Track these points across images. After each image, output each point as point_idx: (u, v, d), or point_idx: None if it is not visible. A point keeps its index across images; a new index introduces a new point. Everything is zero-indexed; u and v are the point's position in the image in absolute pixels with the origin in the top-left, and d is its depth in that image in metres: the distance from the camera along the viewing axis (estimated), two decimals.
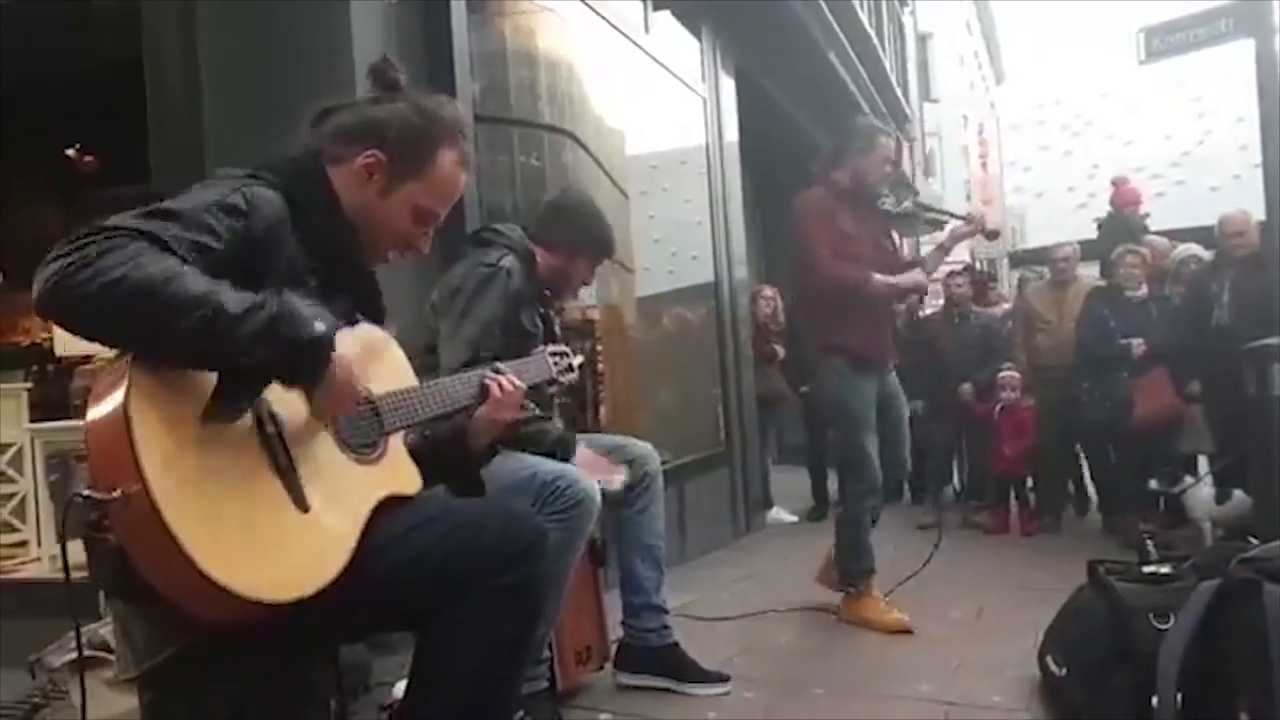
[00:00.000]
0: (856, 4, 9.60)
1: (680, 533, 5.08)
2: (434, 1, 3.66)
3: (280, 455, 1.45)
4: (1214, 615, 2.28)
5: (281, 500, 1.43)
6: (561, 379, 2.21)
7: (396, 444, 1.71)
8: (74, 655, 2.36)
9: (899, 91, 12.62)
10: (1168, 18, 6.88)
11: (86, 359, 4.93)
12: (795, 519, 6.70)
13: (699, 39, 6.39)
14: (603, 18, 5.01)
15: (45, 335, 6.02)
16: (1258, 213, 5.45)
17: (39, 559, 4.06)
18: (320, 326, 1.39)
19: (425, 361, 2.44)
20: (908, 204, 4.02)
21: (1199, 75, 23.77)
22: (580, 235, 2.94)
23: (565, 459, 2.67)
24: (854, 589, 3.82)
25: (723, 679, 3.07)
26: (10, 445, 4.23)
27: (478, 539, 1.56)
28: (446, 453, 1.87)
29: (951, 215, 4.16)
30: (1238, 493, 4.62)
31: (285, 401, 1.48)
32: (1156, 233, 6.98)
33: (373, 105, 1.72)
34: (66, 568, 1.40)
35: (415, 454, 1.76)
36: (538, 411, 2.72)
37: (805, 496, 6.95)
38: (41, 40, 4.63)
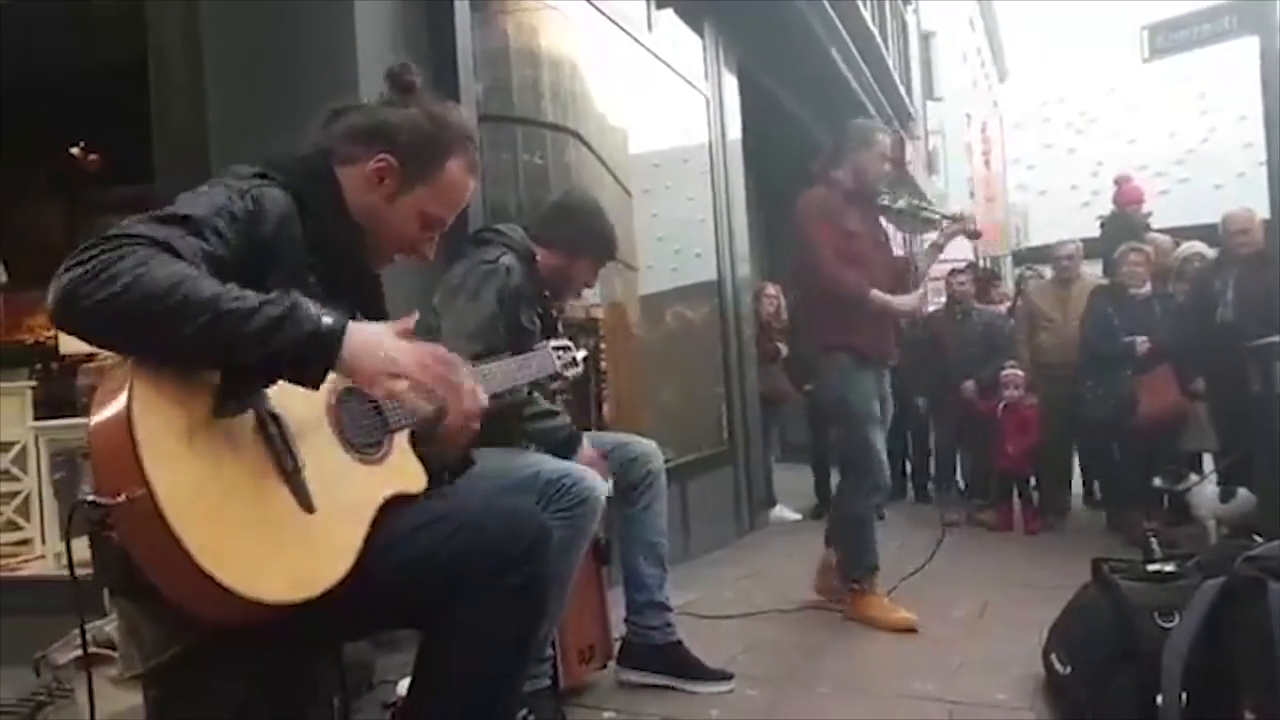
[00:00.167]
0: (859, 2, 9.60)
1: (683, 531, 5.08)
2: (437, 1, 3.67)
3: (284, 456, 1.45)
4: (1219, 614, 2.28)
5: (286, 502, 1.43)
6: (565, 373, 2.21)
7: (401, 442, 1.70)
8: (79, 653, 2.38)
9: (902, 89, 12.61)
10: (1171, 15, 6.88)
11: (90, 357, 4.94)
12: (799, 517, 6.70)
13: (702, 37, 6.38)
14: (606, 16, 5.01)
15: (49, 334, 6.03)
16: (1262, 210, 5.46)
17: (43, 557, 4.06)
18: (327, 321, 1.38)
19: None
20: (903, 202, 4.04)
21: (1203, 72, 23.71)
22: (582, 236, 2.94)
23: (569, 455, 2.68)
24: (858, 586, 3.82)
25: (726, 677, 3.07)
26: (14, 443, 4.23)
27: (482, 538, 1.56)
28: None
29: (942, 215, 4.17)
30: (1242, 490, 4.62)
31: (287, 402, 1.48)
32: (1160, 231, 6.98)
33: (385, 108, 1.72)
34: (72, 567, 1.40)
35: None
36: (547, 406, 2.72)
37: (808, 495, 6.95)
38: (45, 40, 4.64)
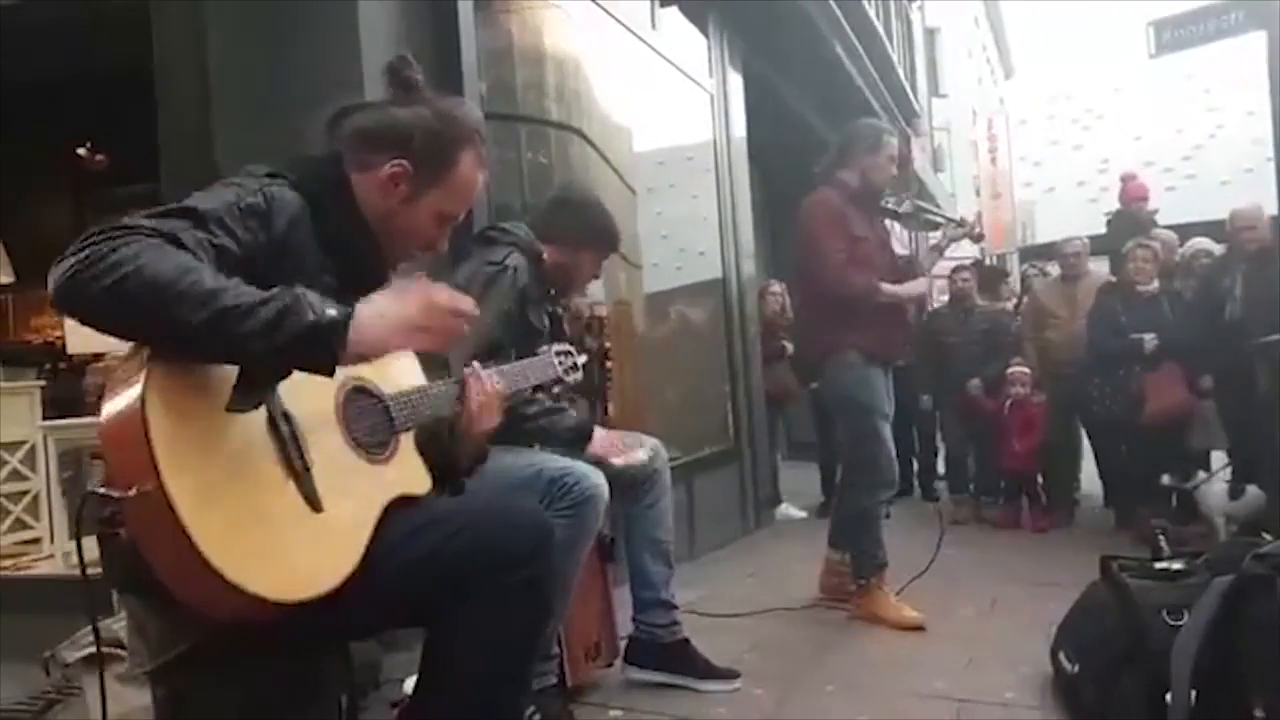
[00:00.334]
0: None
1: (690, 529, 5.08)
2: (441, 0, 3.67)
3: (294, 455, 1.45)
4: (1228, 612, 2.27)
5: (295, 500, 1.44)
6: (566, 378, 2.21)
7: (407, 443, 1.71)
8: (87, 651, 2.39)
9: (907, 87, 12.58)
10: (1178, 11, 6.85)
11: (98, 357, 4.95)
12: (804, 515, 6.69)
13: (706, 35, 6.37)
14: (610, 14, 5.00)
15: (57, 334, 6.05)
16: (1270, 206, 5.43)
17: (51, 556, 4.08)
18: (330, 312, 1.37)
19: (435, 359, 2.45)
20: (907, 204, 4.03)
21: (1210, 68, 23.65)
22: (584, 229, 2.94)
23: (583, 446, 2.68)
24: (865, 584, 3.82)
25: (733, 675, 3.06)
26: (23, 443, 4.25)
27: (486, 537, 1.57)
28: (440, 454, 1.85)
29: (945, 218, 4.17)
30: (1251, 488, 4.60)
31: (298, 400, 1.48)
32: (1167, 227, 6.95)
33: (392, 108, 1.71)
34: (83, 564, 1.40)
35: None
36: (548, 404, 2.72)
37: (814, 493, 6.94)
38: (51, 42, 4.65)
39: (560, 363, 2.18)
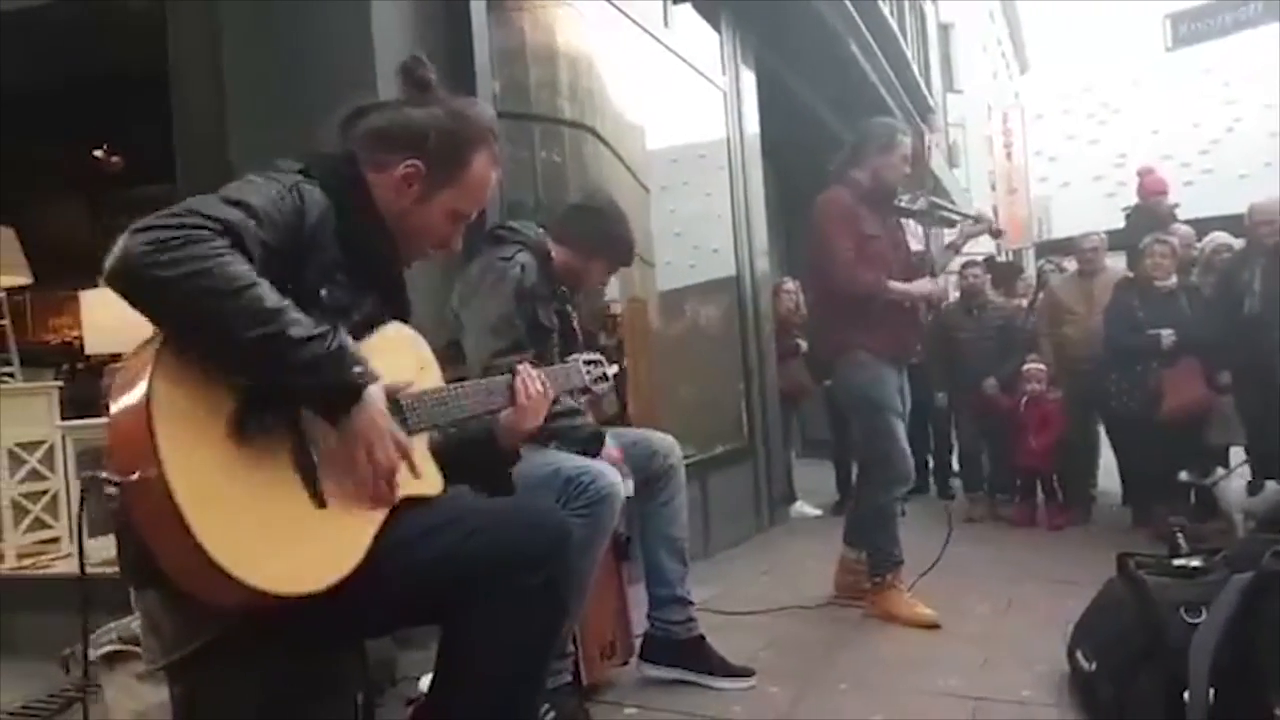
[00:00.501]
0: None
1: (704, 527, 5.08)
2: (454, 0, 3.67)
3: (300, 450, 1.46)
4: (1247, 609, 2.25)
5: (298, 494, 1.44)
6: (594, 388, 2.22)
7: (420, 444, 1.71)
8: (106, 649, 2.40)
9: (921, 82, 12.53)
10: (1195, 4, 6.80)
11: (116, 357, 4.97)
12: (819, 513, 6.68)
13: (719, 32, 6.36)
14: (622, 12, 5.00)
15: (75, 334, 6.09)
16: None
17: (70, 555, 4.10)
18: (358, 371, 1.44)
19: (447, 358, 2.46)
20: (922, 202, 4.02)
21: (1227, 61, 23.47)
22: (601, 238, 2.95)
23: (595, 454, 2.68)
24: (880, 581, 3.81)
25: (748, 673, 3.06)
26: (41, 443, 4.27)
27: (503, 537, 1.57)
28: (473, 453, 1.88)
29: (962, 215, 4.15)
30: (1270, 484, 4.58)
31: None
32: (1185, 221, 6.90)
33: (406, 108, 1.73)
34: (81, 562, 1.41)
35: (442, 453, 1.77)
36: (571, 404, 2.73)
37: (829, 490, 6.93)
38: (69, 44, 4.68)
39: (588, 372, 2.19)
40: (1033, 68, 32.20)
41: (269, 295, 1.35)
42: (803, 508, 6.78)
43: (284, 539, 1.39)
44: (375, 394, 1.47)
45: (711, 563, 4.89)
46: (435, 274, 2.99)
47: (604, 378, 2.24)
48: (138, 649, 2.29)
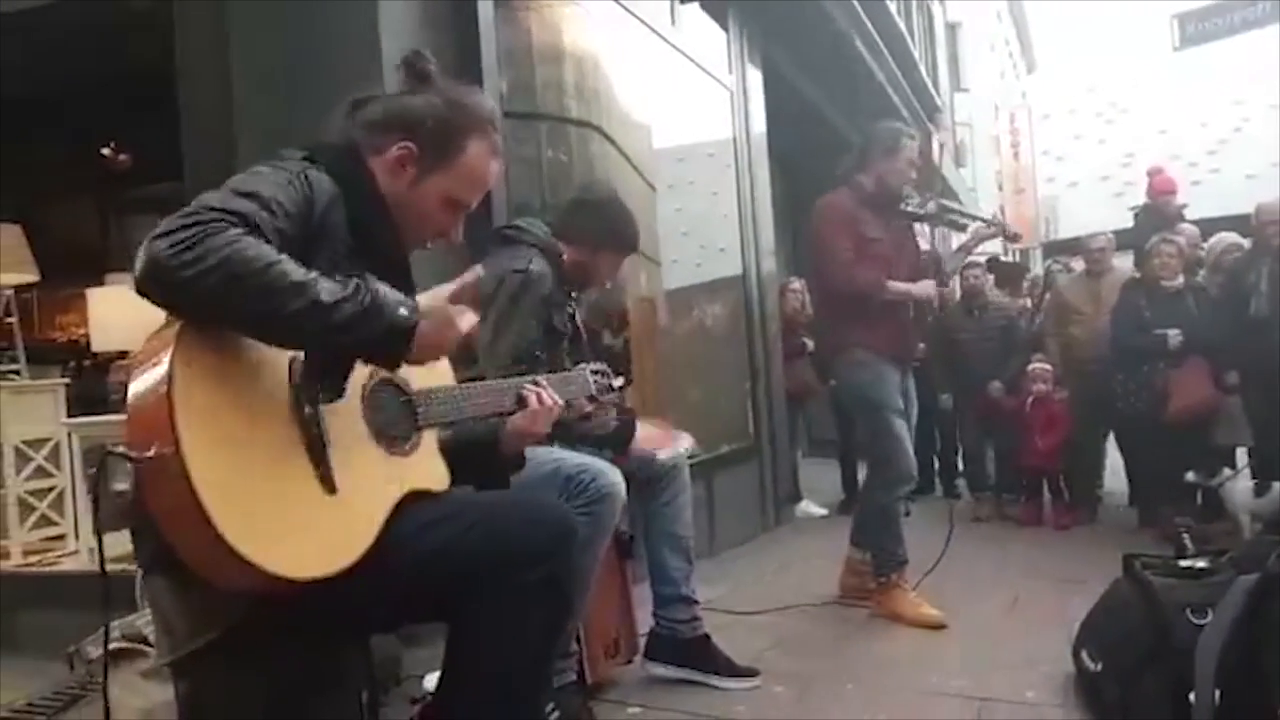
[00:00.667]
0: None
1: (710, 526, 5.07)
2: (462, 0, 3.67)
3: (314, 437, 1.47)
4: (1253, 610, 2.25)
5: (310, 480, 1.45)
6: (601, 397, 2.22)
7: (429, 440, 1.73)
8: (110, 647, 2.40)
9: (928, 82, 12.50)
10: (1202, 3, 6.78)
11: (123, 354, 4.99)
12: (825, 512, 6.67)
13: (726, 31, 6.35)
14: (629, 11, 5.00)
15: (82, 331, 6.10)
16: None
17: (76, 552, 4.12)
18: (403, 312, 1.45)
19: (458, 359, 2.45)
20: (931, 206, 4.01)
21: (1234, 61, 23.35)
22: (602, 230, 2.93)
23: (626, 443, 2.69)
24: (885, 581, 3.80)
25: (752, 673, 3.06)
26: (48, 440, 4.29)
27: (507, 534, 1.57)
28: (478, 454, 1.89)
29: (974, 217, 4.14)
30: (1277, 485, 4.55)
31: None
32: (1193, 221, 6.88)
33: (405, 97, 1.74)
34: (102, 558, 1.42)
35: (445, 451, 1.78)
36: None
37: (835, 490, 6.92)
38: (77, 43, 4.70)
39: (595, 382, 2.20)
40: (1040, 67, 32.09)
41: (293, 269, 1.36)
42: (808, 507, 6.77)
43: (295, 522, 1.41)
44: (426, 319, 1.50)
45: (717, 562, 4.89)
46: (443, 259, 2.97)
47: (610, 388, 2.25)
48: (143, 646, 2.29)
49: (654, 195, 5.24)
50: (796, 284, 7.09)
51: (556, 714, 2.50)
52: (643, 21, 5.16)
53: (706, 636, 3.08)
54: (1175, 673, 2.33)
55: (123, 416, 1.36)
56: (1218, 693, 2.17)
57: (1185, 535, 3.08)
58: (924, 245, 4.21)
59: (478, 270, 1.72)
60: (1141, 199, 7.48)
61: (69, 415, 4.39)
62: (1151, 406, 5.30)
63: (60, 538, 4.28)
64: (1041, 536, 5.65)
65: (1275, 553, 2.31)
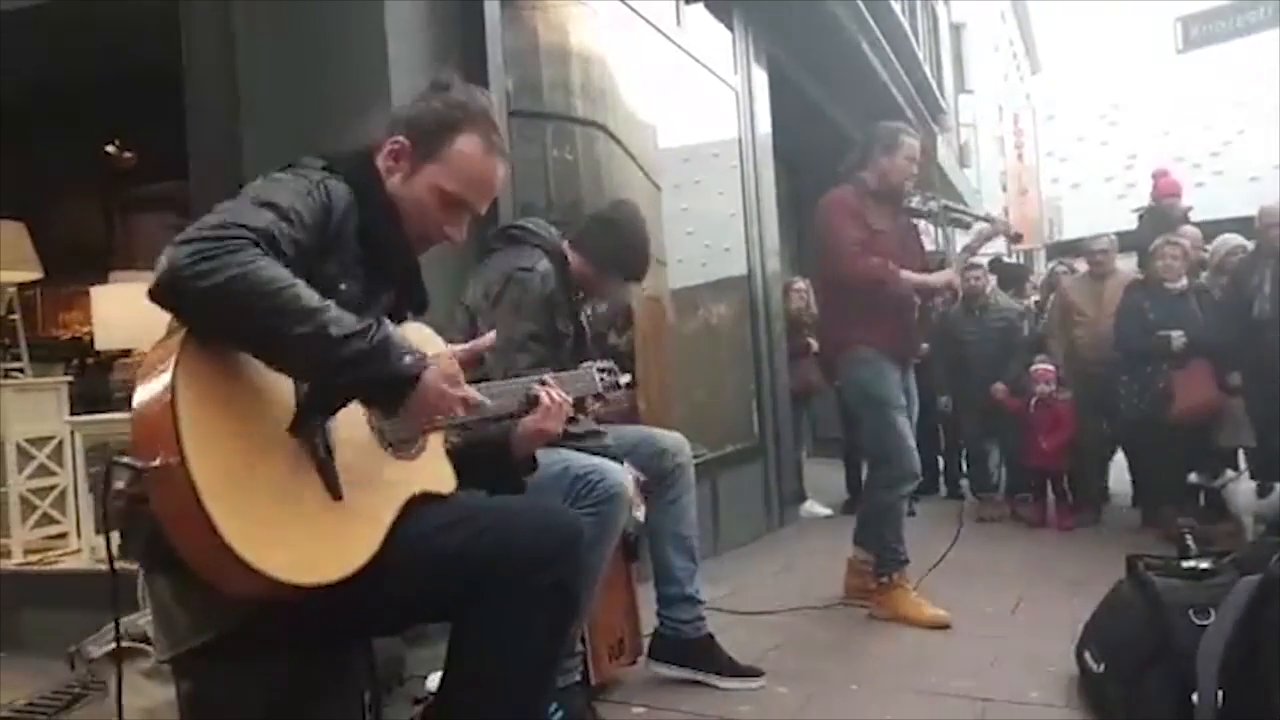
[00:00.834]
0: None
1: (714, 526, 5.07)
2: (468, 0, 3.67)
3: (319, 443, 1.47)
4: (1255, 612, 2.25)
5: (315, 486, 1.46)
6: (607, 395, 2.23)
7: (435, 443, 1.73)
8: (112, 646, 2.40)
9: (933, 82, 12.50)
10: (1206, 7, 6.77)
11: (126, 353, 4.99)
12: (829, 512, 6.67)
13: (731, 31, 6.36)
14: (635, 11, 5.00)
15: (85, 329, 6.10)
16: None
17: (79, 551, 4.11)
18: (408, 360, 1.44)
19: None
20: (934, 204, 4.01)
21: (1238, 64, 23.31)
22: (616, 256, 2.94)
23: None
24: (887, 581, 3.80)
25: (756, 673, 3.06)
26: (50, 438, 4.28)
27: (514, 538, 1.57)
28: (489, 457, 1.89)
29: (976, 217, 4.14)
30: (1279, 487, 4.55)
31: None
32: (1196, 224, 6.87)
33: (417, 103, 1.77)
34: (110, 557, 1.41)
35: (457, 455, 1.78)
36: (593, 426, 2.73)
37: (839, 490, 6.92)
38: (82, 40, 4.70)
39: (602, 380, 2.20)
40: (1044, 69, 32.09)
41: (307, 296, 1.37)
42: (813, 507, 6.77)
43: (301, 530, 1.41)
44: (432, 376, 1.48)
45: (721, 562, 4.88)
46: (450, 262, 2.98)
47: (616, 386, 2.26)
48: (145, 646, 2.29)
49: (659, 195, 5.23)
50: (801, 283, 7.09)
51: (560, 714, 2.51)
52: (648, 21, 5.16)
53: (710, 637, 3.08)
54: (1178, 673, 2.33)
55: (126, 415, 1.37)
56: (1220, 693, 2.18)
57: (1188, 536, 3.08)
58: (929, 246, 4.21)
59: (490, 337, 1.74)
60: (1144, 200, 7.48)
61: (72, 413, 4.39)
62: (1155, 408, 5.29)
63: (62, 536, 4.27)
64: (1045, 537, 5.64)
65: (1278, 554, 2.30)
